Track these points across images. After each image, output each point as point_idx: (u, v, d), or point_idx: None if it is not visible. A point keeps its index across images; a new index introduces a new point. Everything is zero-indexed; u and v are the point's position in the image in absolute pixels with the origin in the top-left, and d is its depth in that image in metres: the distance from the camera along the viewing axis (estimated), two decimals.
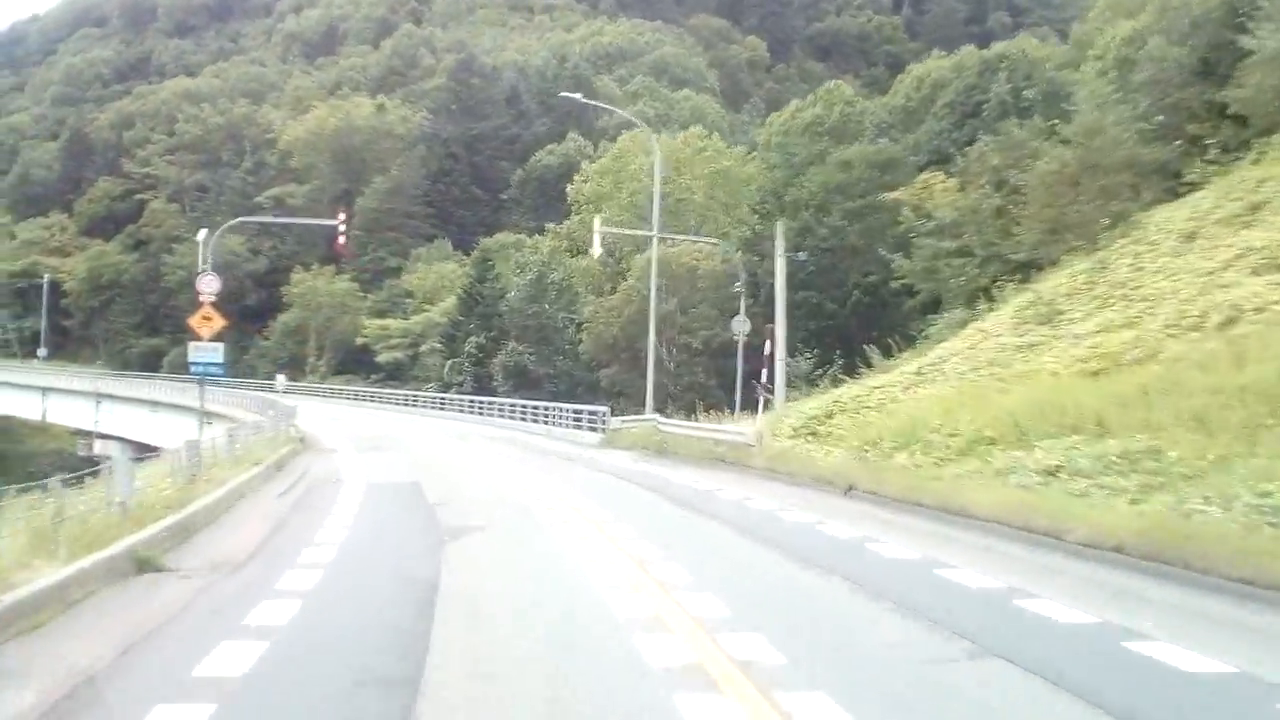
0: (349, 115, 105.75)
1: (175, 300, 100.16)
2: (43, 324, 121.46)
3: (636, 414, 37.34)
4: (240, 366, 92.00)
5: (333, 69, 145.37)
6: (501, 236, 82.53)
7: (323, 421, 47.53)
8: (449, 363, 63.38)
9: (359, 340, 78.52)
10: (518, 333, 62.28)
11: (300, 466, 26.02)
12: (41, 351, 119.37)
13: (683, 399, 48.57)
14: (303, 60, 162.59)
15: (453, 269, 77.80)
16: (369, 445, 33.85)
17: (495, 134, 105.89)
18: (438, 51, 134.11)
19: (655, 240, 40.85)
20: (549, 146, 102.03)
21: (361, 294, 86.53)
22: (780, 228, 34.21)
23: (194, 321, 30.99)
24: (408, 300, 79.25)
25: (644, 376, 46.59)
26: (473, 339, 62.60)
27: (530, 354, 60.68)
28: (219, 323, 31.11)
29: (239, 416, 40.03)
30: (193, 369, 30.85)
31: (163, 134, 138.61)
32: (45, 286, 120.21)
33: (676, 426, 30.02)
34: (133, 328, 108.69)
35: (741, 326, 35.14)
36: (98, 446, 67.20)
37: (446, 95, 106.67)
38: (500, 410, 49.90)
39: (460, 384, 62.02)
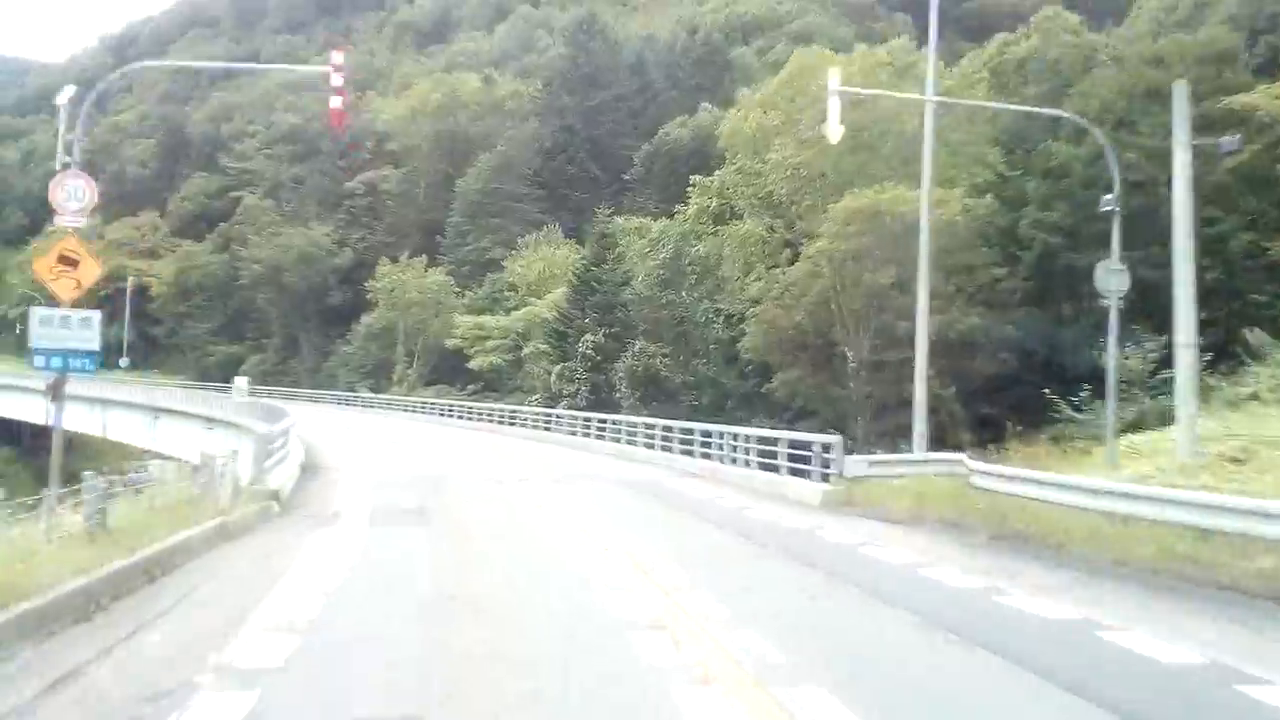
0: (453, 90, 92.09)
1: (254, 301, 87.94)
2: (125, 331, 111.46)
3: (865, 447, 20.67)
4: (319, 376, 78.85)
5: (443, 55, 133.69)
6: (624, 221, 67.13)
7: (370, 447, 32.68)
8: (558, 368, 47.90)
9: (450, 343, 63.85)
10: (647, 328, 46.52)
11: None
12: (123, 361, 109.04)
13: (891, 418, 31.84)
14: (414, 50, 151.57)
15: (564, 254, 62.60)
16: (405, 507, 18.25)
17: (617, 104, 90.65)
18: (555, 33, 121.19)
19: (928, 147, 23.95)
20: (679, 119, 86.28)
21: (458, 289, 72.08)
22: (1182, 92, 17.32)
23: (42, 268, 15.97)
24: (510, 295, 64.31)
25: (838, 383, 30.49)
26: (588, 338, 47.01)
27: (663, 356, 44.77)
28: (91, 271, 15.84)
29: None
30: (36, 357, 15.27)
31: (261, 125, 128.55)
32: (128, 290, 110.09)
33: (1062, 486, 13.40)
34: (212, 333, 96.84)
35: (1116, 281, 18.01)
36: (154, 469, 54.34)
37: (564, 63, 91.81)
38: (630, 432, 33.71)
39: (573, 395, 46.44)
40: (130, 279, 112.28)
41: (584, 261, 50.72)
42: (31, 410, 79.03)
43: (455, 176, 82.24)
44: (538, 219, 77.53)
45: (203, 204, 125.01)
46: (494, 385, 63.56)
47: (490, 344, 60.17)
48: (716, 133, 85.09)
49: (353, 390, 69.50)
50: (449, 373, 69.94)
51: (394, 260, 72.71)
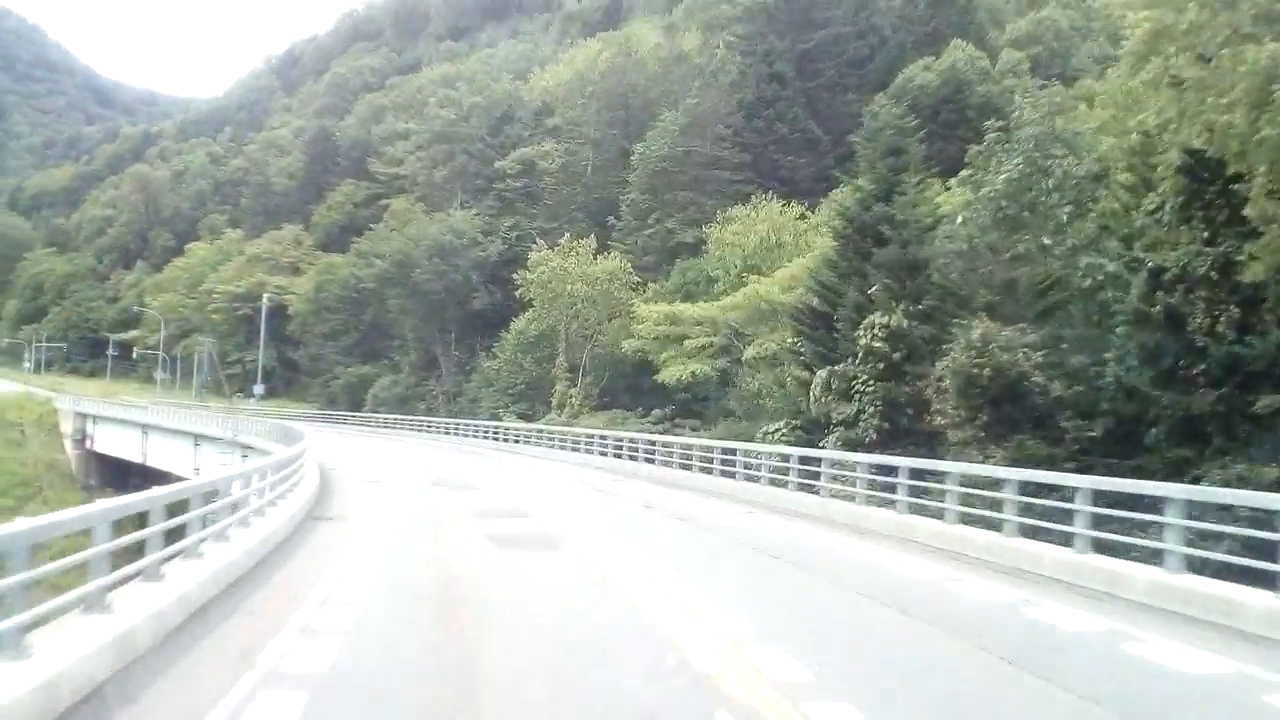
0: (627, 44, 73.61)
1: (388, 312, 71.14)
2: (259, 354, 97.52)
3: None
4: (459, 402, 60.87)
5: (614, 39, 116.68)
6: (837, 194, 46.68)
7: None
8: (822, 374, 27.06)
9: (630, 345, 44.06)
10: (985, 302, 25.59)
11: None
12: (257, 389, 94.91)
13: None
14: (582, 40, 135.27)
15: (793, 218, 42.32)
16: None
17: (836, 49, 70.12)
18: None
19: None
20: (922, 61, 65.16)
21: (639, 281, 52.64)
22: None
23: None
24: (716, 275, 44.25)
25: None
26: (876, 319, 26.25)
27: (1026, 349, 23.69)
28: None
29: None
30: None
31: (413, 124, 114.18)
32: (264, 310, 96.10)
33: None
34: (343, 353, 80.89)
35: None
36: None
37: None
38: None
39: (850, 422, 25.69)
40: (266, 297, 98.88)
41: (862, 193, 29.95)
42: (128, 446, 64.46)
43: (631, 152, 63.22)
44: (739, 190, 57.42)
45: (349, 213, 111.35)
46: (691, 408, 43.69)
47: (690, 345, 40.14)
48: (972, 77, 64.28)
49: (498, 419, 50.90)
50: (627, 394, 50.52)
51: (553, 246, 53.88)
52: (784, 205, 46.20)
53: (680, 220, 58.68)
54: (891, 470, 18.48)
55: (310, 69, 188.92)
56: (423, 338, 65.53)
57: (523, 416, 50.91)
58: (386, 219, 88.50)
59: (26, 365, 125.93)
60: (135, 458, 60.10)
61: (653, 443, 31.44)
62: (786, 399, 30.75)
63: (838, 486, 20.23)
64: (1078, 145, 29.59)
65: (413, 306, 63.67)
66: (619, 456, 33.47)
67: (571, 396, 50.60)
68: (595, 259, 52.42)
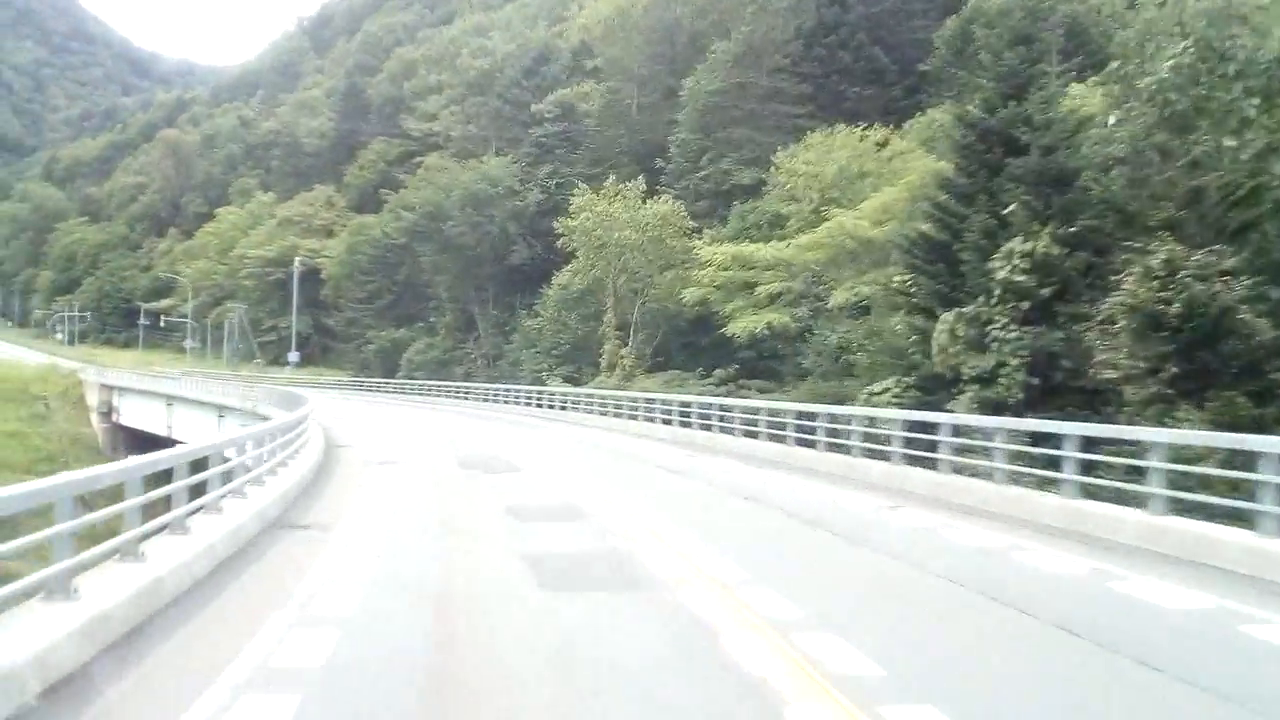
0: None
1: (421, 270, 66.19)
2: (293, 320, 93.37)
3: None
4: (500, 365, 55.86)
5: None
6: (935, 113, 40.41)
7: None
8: (945, 322, 21.44)
9: (690, 295, 38.23)
10: (1164, 213, 19.85)
11: None
12: (292, 356, 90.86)
13: None
14: None
15: (873, 144, 36.43)
16: None
17: None
18: None
19: None
20: None
21: (693, 227, 47.01)
22: None
23: None
24: (779, 225, 38.44)
25: None
26: (1016, 246, 20.55)
27: (1222, 275, 18.01)
28: None
29: None
30: None
31: (446, 76, 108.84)
32: (296, 274, 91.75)
33: None
34: (376, 316, 76.24)
35: None
36: None
37: None
38: None
39: (992, 383, 20.11)
40: (298, 261, 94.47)
41: (986, 93, 23.93)
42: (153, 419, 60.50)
43: (678, 89, 57.28)
44: (800, 125, 51.39)
45: (382, 172, 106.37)
46: (757, 368, 38.21)
47: (764, 291, 34.41)
48: None
49: (541, 383, 45.78)
50: (683, 352, 45.14)
51: (597, 190, 48.20)
52: (864, 130, 40.09)
53: (736, 160, 52.89)
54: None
55: (342, 29, 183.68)
56: (458, 297, 60.41)
57: (569, 380, 45.73)
58: (420, 175, 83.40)
59: (59, 336, 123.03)
60: (160, 430, 56.15)
61: (727, 409, 25.92)
62: (889, 352, 25.10)
63: (1025, 470, 14.45)
64: (1264, 24, 23.42)
65: (447, 263, 58.42)
66: (686, 424, 28.12)
67: (622, 357, 45.30)
68: (644, 203, 46.81)
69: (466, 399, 50.25)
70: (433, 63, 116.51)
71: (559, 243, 48.70)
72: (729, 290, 34.05)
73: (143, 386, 66.94)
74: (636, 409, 32.46)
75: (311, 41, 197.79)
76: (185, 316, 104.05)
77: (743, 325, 31.77)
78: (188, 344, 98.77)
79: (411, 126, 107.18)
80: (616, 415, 34.18)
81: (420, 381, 57.47)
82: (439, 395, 53.12)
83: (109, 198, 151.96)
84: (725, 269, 34.02)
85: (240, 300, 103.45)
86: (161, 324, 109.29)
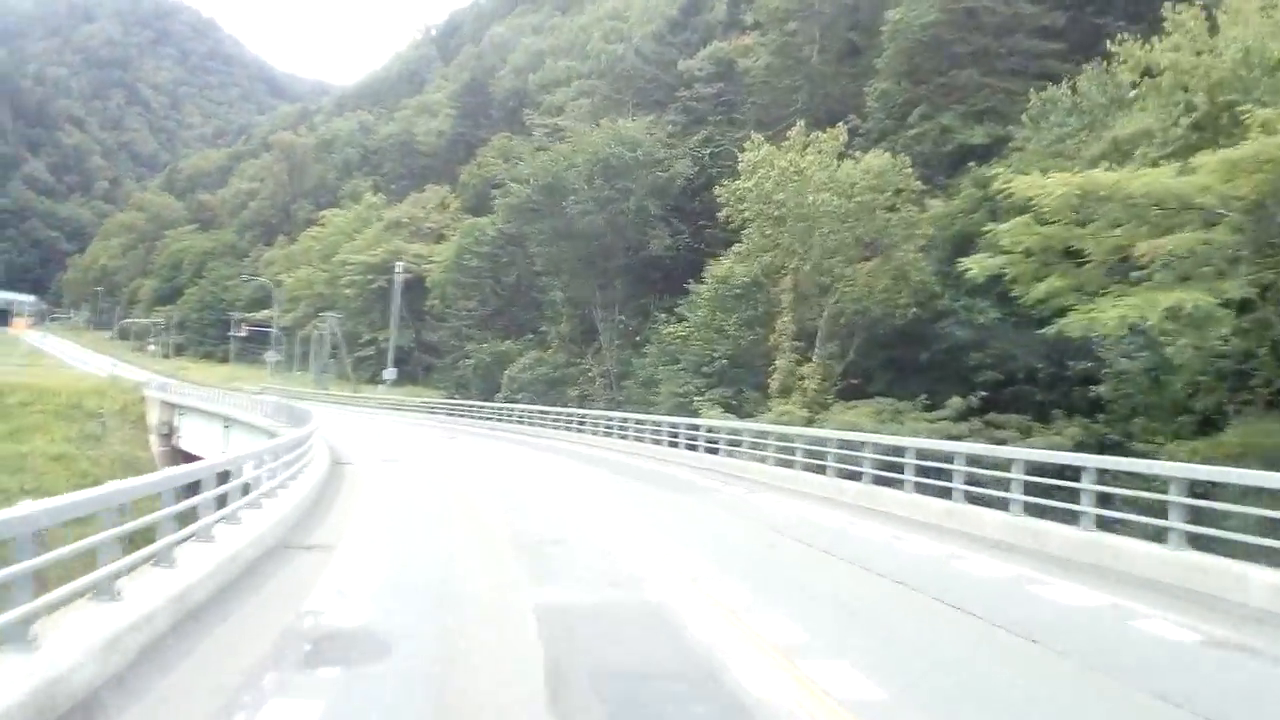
0: None
1: (536, 271, 53.19)
2: (392, 332, 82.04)
3: None
4: (626, 387, 42.03)
5: None
6: None
7: None
8: None
9: (978, 270, 22.51)
10: None
11: None
12: (388, 374, 79.40)
13: None
14: None
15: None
16: None
17: None
18: None
19: None
20: None
21: (921, 189, 32.43)
22: None
23: None
24: (1117, 157, 23.63)
25: None
26: None
27: None
28: None
29: None
30: None
31: (574, 62, 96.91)
32: (397, 282, 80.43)
33: None
34: (478, 325, 63.76)
35: None
36: None
37: None
38: None
39: None
40: (400, 266, 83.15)
41: None
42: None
43: (878, 27, 42.74)
44: (1050, 70, 36.44)
45: (502, 170, 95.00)
46: (1016, 398, 23.23)
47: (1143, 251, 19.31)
48: None
49: (688, 409, 31.74)
50: (888, 372, 30.71)
51: (778, 144, 33.89)
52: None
53: (960, 113, 38.27)
54: None
55: (470, 36, 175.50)
56: (577, 299, 46.77)
57: (726, 407, 31.57)
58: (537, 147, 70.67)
59: (151, 348, 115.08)
60: (215, 456, 44.77)
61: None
62: None
63: None
64: None
65: (565, 254, 44.81)
66: (971, 497, 13.91)
67: (802, 378, 30.97)
68: (844, 155, 32.42)
69: (582, 428, 36.59)
70: (561, 53, 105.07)
71: (722, 213, 34.55)
72: (1039, 258, 19.26)
73: (205, 406, 56.37)
74: (856, 456, 18.14)
75: (439, 50, 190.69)
76: (271, 327, 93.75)
77: (1112, 315, 16.66)
78: (269, 357, 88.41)
79: (536, 122, 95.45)
80: (820, 467, 19.89)
81: (522, 407, 44.18)
82: (545, 423, 39.72)
83: (222, 204, 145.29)
84: (1045, 222, 18.96)
85: (340, 311, 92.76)
86: (244, 334, 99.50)
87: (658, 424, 30.59)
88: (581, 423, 36.97)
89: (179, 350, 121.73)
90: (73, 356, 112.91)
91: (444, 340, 78.20)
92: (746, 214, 32.36)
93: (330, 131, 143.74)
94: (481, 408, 47.88)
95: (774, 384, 31.98)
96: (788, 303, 32.08)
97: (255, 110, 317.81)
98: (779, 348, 32.16)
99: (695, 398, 32.64)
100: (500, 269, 62.16)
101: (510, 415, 43.12)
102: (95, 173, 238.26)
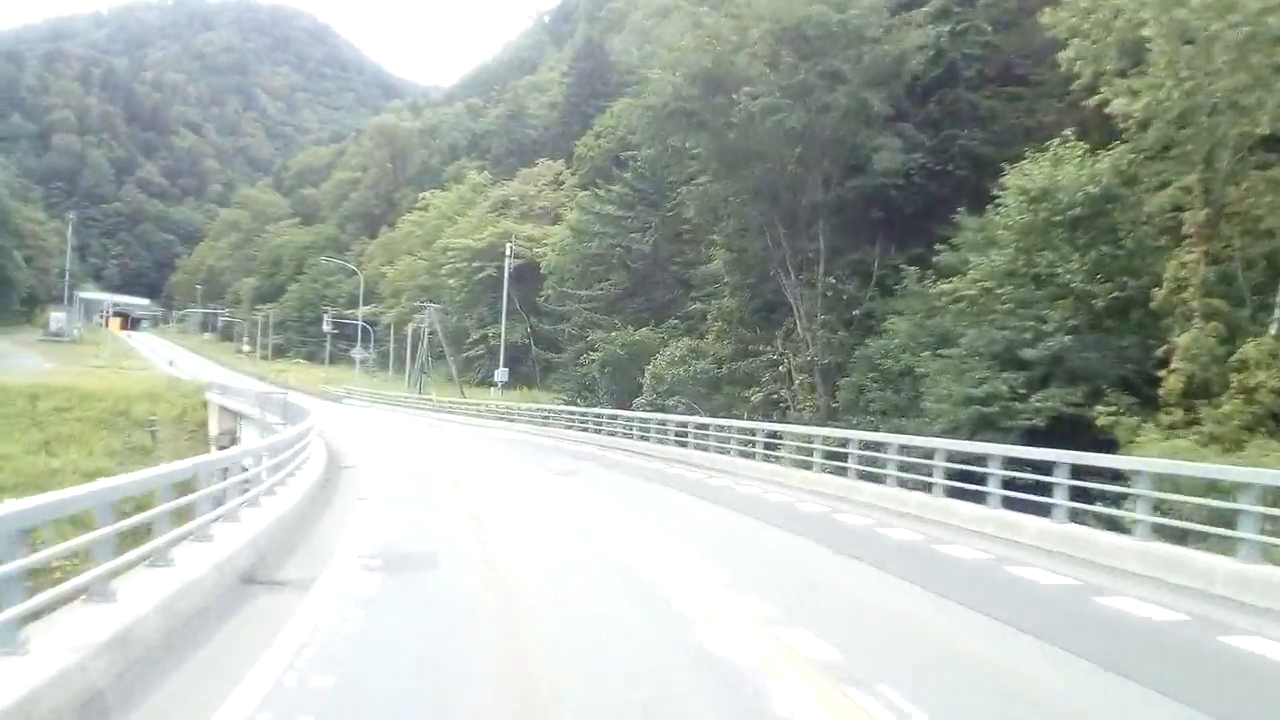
0: None
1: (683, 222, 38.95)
2: (502, 322, 69.06)
3: None
4: (846, 388, 27.01)
5: None
6: None
7: None
8: None
9: None
10: None
11: None
12: (499, 374, 66.32)
13: None
14: None
15: None
16: None
17: None
18: None
19: None
20: None
21: None
22: None
23: None
24: None
25: None
26: None
27: None
28: None
29: None
30: None
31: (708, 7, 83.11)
32: (506, 271, 67.43)
33: None
34: (603, 310, 50.03)
35: None
36: None
37: None
38: None
39: None
40: (510, 246, 70.28)
41: None
42: None
43: None
44: None
45: (620, 140, 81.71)
46: None
47: None
48: None
49: (1007, 433, 17.00)
50: None
51: None
52: None
53: None
54: None
55: (585, 16, 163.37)
56: (747, 260, 31.91)
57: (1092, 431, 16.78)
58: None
59: (245, 348, 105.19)
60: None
61: None
62: None
63: None
64: None
65: (732, 189, 29.87)
66: None
67: (1243, 367, 15.93)
68: None
69: (788, 457, 21.84)
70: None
71: (1065, 66, 19.49)
72: None
73: (252, 412, 44.82)
74: None
75: (551, 36, 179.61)
76: (362, 322, 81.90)
77: None
78: (356, 355, 76.56)
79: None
80: None
81: (674, 416, 29.51)
82: (710, 440, 24.87)
83: (323, 197, 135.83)
84: None
85: (443, 304, 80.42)
86: (334, 330, 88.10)
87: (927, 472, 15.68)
88: (770, 444, 22.25)
89: (280, 352, 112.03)
90: (163, 358, 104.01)
91: (563, 334, 65.05)
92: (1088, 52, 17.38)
93: (435, 117, 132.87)
94: (614, 417, 33.62)
95: (1172, 382, 17.08)
96: (1199, 224, 17.10)
97: (370, 114, 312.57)
98: (1181, 308, 17.24)
99: (1012, 404, 17.83)
100: (631, 235, 48.39)
101: (652, 429, 28.66)
102: (209, 176, 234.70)
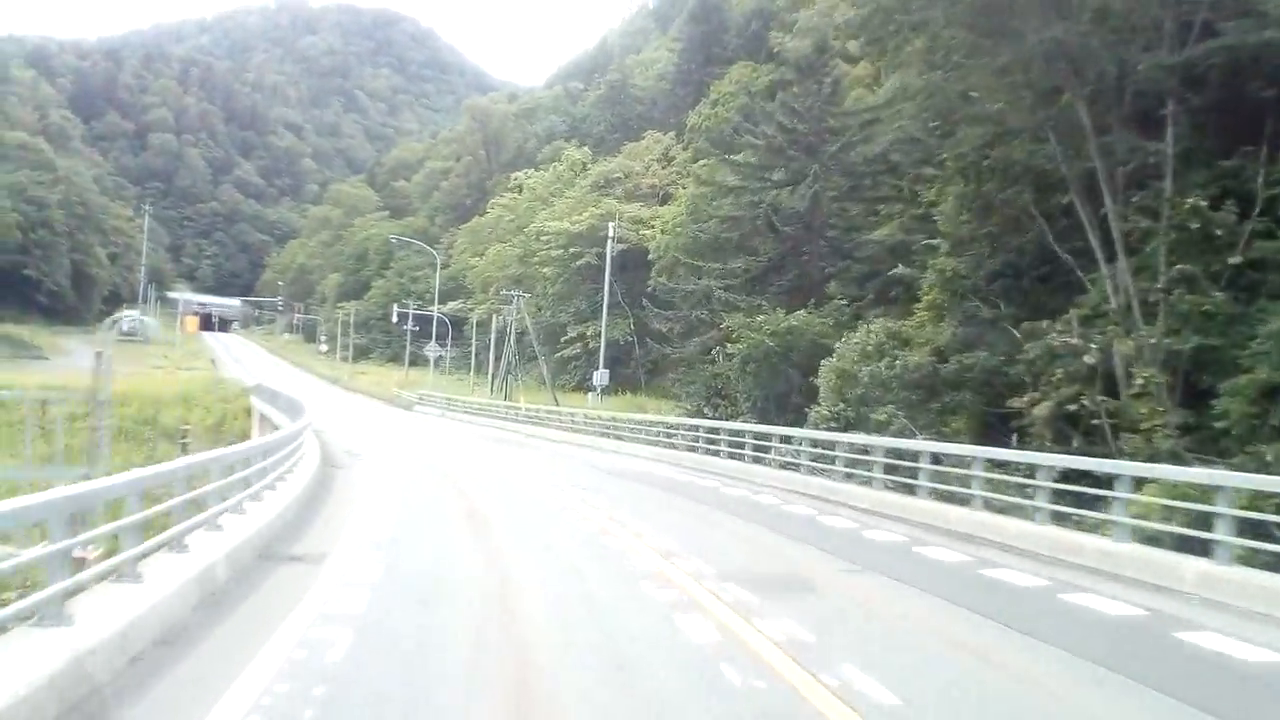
0: None
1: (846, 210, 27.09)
2: (603, 317, 57.92)
3: None
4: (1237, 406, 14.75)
5: None
6: None
7: None
8: None
9: None
10: None
11: None
12: (599, 377, 55.32)
13: None
14: None
15: None
16: None
17: None
18: None
19: None
20: None
21: None
22: None
23: None
24: None
25: None
26: None
27: None
28: None
29: None
30: None
31: None
32: (608, 256, 56.11)
33: None
34: (739, 290, 38.32)
35: None
36: None
37: None
38: None
39: None
40: (612, 228, 59.27)
41: None
42: None
43: None
44: None
45: (742, 108, 70.18)
46: None
47: None
48: None
49: None
50: None
51: None
52: None
53: None
54: None
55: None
56: (990, 192, 20.00)
57: None
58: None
59: (322, 348, 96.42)
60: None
61: None
62: None
63: None
64: None
65: (956, 83, 18.63)
66: None
67: None
68: None
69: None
70: None
71: None
72: None
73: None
74: None
75: (656, 21, 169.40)
76: (445, 316, 72.04)
77: None
78: (429, 351, 66.44)
79: (789, 45, 70.02)
80: None
81: (929, 444, 16.95)
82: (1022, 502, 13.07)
83: (414, 189, 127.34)
84: None
85: (536, 297, 69.84)
86: (397, 317, 78.26)
87: None
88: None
89: (363, 352, 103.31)
90: (236, 359, 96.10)
91: (673, 331, 53.81)
92: None
93: (532, 100, 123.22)
94: (829, 444, 19.72)
95: None
96: None
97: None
98: None
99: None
100: (776, 195, 36.80)
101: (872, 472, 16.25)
102: (306, 175, 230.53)
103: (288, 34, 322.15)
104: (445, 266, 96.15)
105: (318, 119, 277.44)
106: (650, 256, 59.00)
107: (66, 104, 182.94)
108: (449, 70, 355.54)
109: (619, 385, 59.87)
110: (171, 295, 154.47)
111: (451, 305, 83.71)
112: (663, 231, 57.99)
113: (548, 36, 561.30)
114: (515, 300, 59.68)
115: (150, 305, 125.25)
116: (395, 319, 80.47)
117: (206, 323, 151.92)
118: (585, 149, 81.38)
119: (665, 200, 68.94)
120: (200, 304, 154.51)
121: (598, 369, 55.09)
